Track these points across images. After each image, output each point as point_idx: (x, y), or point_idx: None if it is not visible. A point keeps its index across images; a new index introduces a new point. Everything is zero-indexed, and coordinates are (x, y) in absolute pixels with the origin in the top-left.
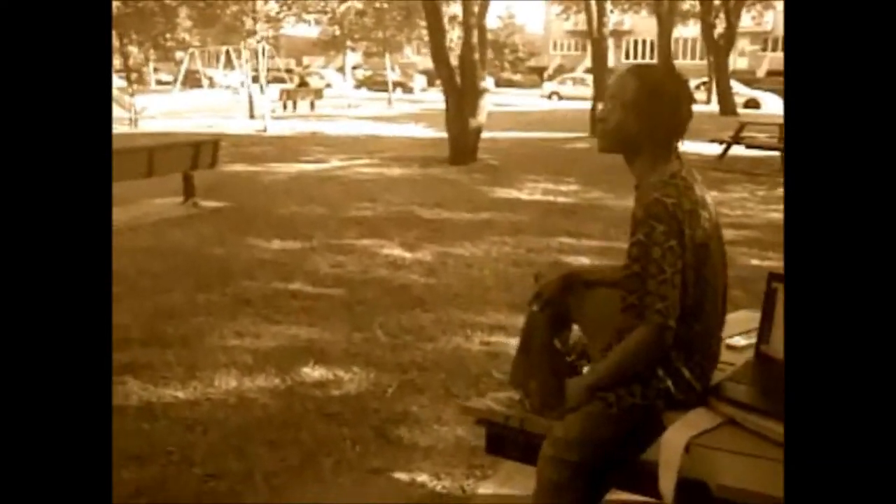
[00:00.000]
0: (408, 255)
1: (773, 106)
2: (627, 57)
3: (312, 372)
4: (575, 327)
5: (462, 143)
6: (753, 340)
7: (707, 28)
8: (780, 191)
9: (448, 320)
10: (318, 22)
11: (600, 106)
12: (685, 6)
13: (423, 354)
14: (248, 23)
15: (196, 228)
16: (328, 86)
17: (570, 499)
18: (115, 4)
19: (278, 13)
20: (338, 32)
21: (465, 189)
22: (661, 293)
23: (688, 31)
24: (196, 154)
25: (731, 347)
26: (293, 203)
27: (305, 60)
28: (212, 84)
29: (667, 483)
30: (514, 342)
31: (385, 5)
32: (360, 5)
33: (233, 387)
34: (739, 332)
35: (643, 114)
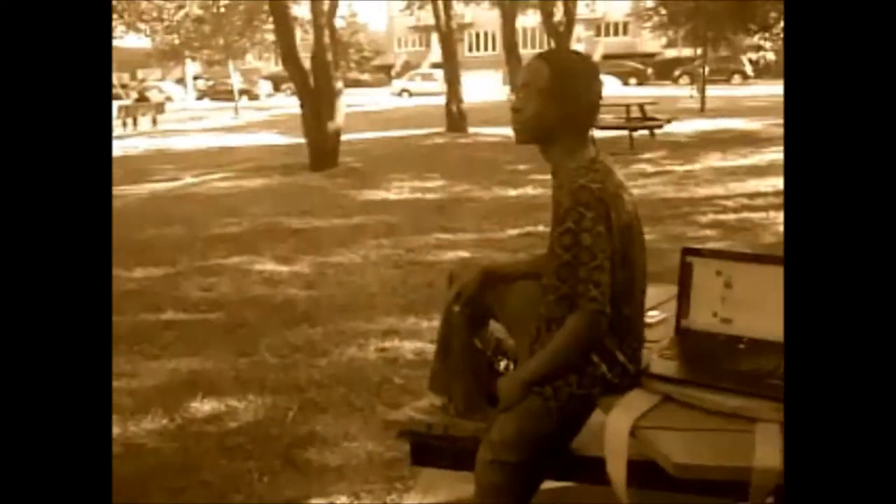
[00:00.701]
0: (284, 268)
1: (609, 88)
2: (470, 50)
3: (202, 406)
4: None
5: (322, 147)
6: (665, 315)
7: (547, 16)
8: (633, 167)
9: (338, 332)
10: (153, 31)
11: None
12: None
13: (319, 371)
14: None
15: None
16: (168, 99)
17: (512, 498)
18: None
19: (116, 22)
20: (177, 41)
21: (332, 194)
22: (594, 279)
23: (528, 20)
24: None
25: (644, 324)
26: (149, 226)
27: (140, 74)
28: None
29: (618, 471)
30: (409, 345)
31: (222, 10)
32: (199, 11)
33: (116, 434)
34: (649, 306)
35: (560, 99)
